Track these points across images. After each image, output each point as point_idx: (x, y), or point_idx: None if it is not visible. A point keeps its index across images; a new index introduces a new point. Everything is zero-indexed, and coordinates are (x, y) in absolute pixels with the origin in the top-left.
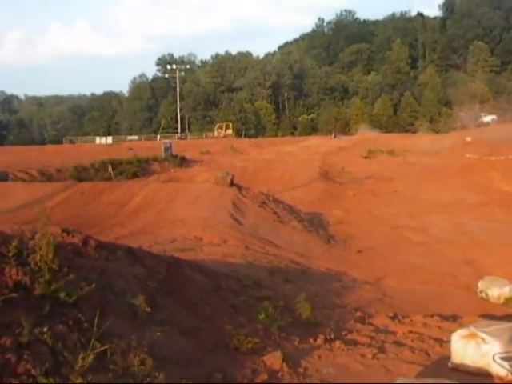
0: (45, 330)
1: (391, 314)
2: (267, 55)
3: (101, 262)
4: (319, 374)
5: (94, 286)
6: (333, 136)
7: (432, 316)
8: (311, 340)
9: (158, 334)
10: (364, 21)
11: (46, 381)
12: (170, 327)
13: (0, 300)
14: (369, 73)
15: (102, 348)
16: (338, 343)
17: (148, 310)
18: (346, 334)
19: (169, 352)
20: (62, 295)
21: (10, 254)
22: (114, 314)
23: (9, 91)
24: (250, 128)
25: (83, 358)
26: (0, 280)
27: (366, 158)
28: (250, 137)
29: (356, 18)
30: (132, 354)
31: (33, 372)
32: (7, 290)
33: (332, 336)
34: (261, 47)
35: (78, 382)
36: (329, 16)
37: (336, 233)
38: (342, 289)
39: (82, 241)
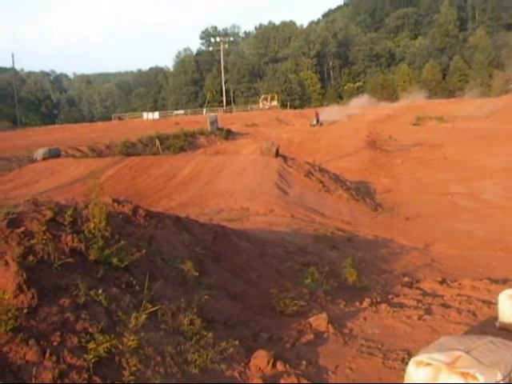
0: (100, 291)
1: (439, 279)
2: (311, 24)
3: (150, 230)
4: (364, 334)
5: (143, 252)
6: (314, 122)
7: (481, 279)
8: (357, 303)
9: (206, 297)
10: None
11: (102, 338)
12: (218, 291)
13: (58, 264)
14: (416, 37)
15: (154, 309)
16: (383, 306)
17: (196, 274)
18: (392, 298)
19: (216, 314)
20: (115, 260)
21: (66, 223)
22: (163, 279)
23: (58, 70)
24: (295, 99)
25: (136, 318)
26: (57, 246)
27: (414, 125)
28: (295, 107)
29: None
30: (181, 314)
31: (90, 330)
32: (64, 256)
33: (378, 299)
34: (304, 16)
35: (132, 338)
36: None
37: (383, 201)
38: (390, 255)
39: (132, 210)
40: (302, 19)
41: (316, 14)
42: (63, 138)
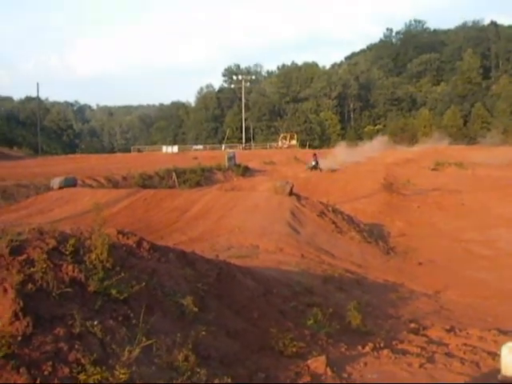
0: (95, 323)
1: (447, 327)
2: (333, 66)
3: (153, 263)
4: (363, 379)
5: (144, 284)
6: (311, 164)
7: (489, 330)
8: (359, 347)
9: (204, 333)
10: (434, 30)
11: (93, 369)
12: (217, 328)
13: (56, 293)
14: (438, 83)
15: (148, 342)
16: (386, 352)
17: (195, 310)
18: (396, 344)
19: (213, 351)
20: (114, 292)
21: (67, 252)
22: (161, 312)
23: (82, 101)
24: (314, 139)
25: (129, 351)
26: (57, 275)
27: (433, 170)
28: (314, 147)
29: (426, 28)
30: (177, 349)
31: (82, 361)
32: (63, 285)
33: (381, 345)
34: (327, 58)
35: (123, 371)
36: (397, 26)
37: (397, 244)
38: (398, 300)
39: (136, 242)
40: (325, 61)
41: (339, 57)
42: (82, 167)
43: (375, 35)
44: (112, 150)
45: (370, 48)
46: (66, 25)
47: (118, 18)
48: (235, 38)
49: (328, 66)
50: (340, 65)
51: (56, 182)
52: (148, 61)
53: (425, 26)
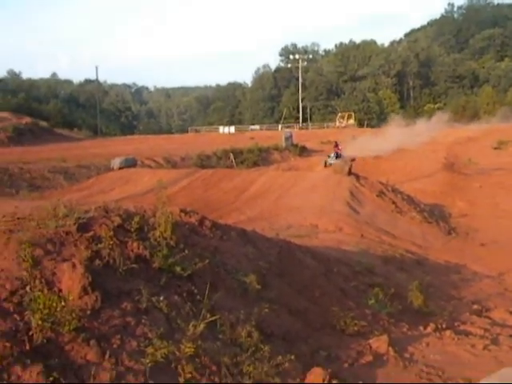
0: (161, 298)
1: (511, 309)
2: (392, 43)
3: (215, 241)
4: (425, 360)
5: (207, 262)
6: (331, 159)
7: None
8: (421, 328)
9: (266, 310)
10: (498, 4)
11: (160, 343)
12: (279, 306)
13: (122, 269)
14: (502, 59)
15: (212, 318)
16: (448, 333)
17: (258, 287)
18: (458, 325)
19: (276, 328)
20: (178, 269)
21: (133, 229)
22: (224, 290)
23: (140, 83)
24: (372, 118)
25: (194, 326)
26: (123, 252)
27: (495, 148)
28: (372, 127)
29: (489, 2)
30: (240, 326)
31: (149, 335)
32: (129, 262)
33: (443, 326)
34: (386, 36)
35: (189, 346)
36: (459, 1)
37: (458, 225)
38: (460, 281)
39: (199, 221)
40: (384, 39)
41: (398, 34)
42: (140, 148)
43: (436, 11)
44: (169, 131)
45: (431, 24)
46: (124, 8)
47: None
48: (292, 17)
49: (387, 44)
50: (399, 42)
51: (116, 162)
52: (205, 42)
53: (488, 1)
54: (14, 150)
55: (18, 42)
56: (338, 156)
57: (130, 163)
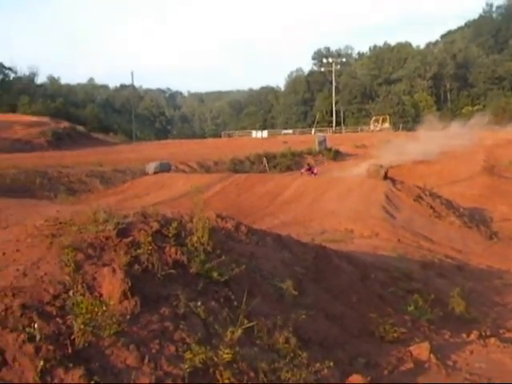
0: (199, 304)
1: None
2: (428, 45)
3: (251, 247)
4: (470, 367)
5: (243, 267)
6: (304, 169)
7: None
8: (463, 335)
9: (304, 316)
10: None
11: (198, 349)
12: (316, 311)
13: (161, 274)
14: None
15: (250, 324)
16: (493, 340)
17: (294, 293)
18: (503, 332)
19: (313, 334)
20: (215, 274)
21: (170, 235)
22: (261, 295)
23: (174, 88)
24: (408, 121)
25: (232, 332)
26: (161, 257)
27: None
28: (408, 130)
29: None
30: (277, 332)
31: (187, 340)
32: (167, 267)
33: (488, 333)
34: (421, 37)
35: (227, 351)
36: (498, 0)
37: (500, 229)
38: (504, 287)
39: (234, 226)
40: (419, 41)
41: (434, 36)
42: (174, 152)
43: (473, 11)
44: (203, 136)
45: (469, 25)
46: (158, 15)
47: (207, 5)
48: (325, 21)
49: (422, 46)
50: (435, 44)
51: (151, 167)
52: (238, 47)
53: None
54: (53, 154)
55: (57, 49)
56: (310, 169)
57: (165, 168)
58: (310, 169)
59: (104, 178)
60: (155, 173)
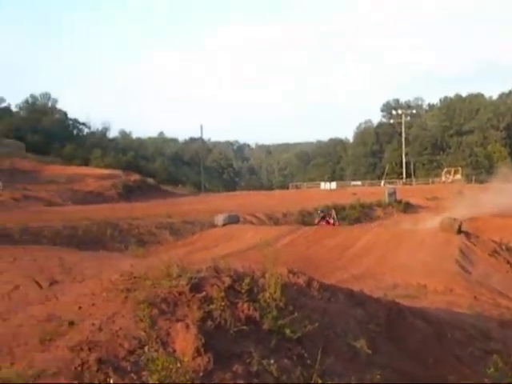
0: (272, 361)
1: None
2: (501, 96)
3: (323, 303)
4: None
5: (316, 325)
6: (317, 220)
7: None
8: None
9: (378, 376)
10: None
11: None
12: (390, 371)
13: (233, 331)
14: None
15: None
16: None
17: (368, 352)
18: None
19: None
20: (288, 331)
21: (243, 291)
22: (334, 354)
23: (241, 140)
24: (481, 173)
25: None
26: (233, 313)
27: None
28: (480, 182)
29: None
30: None
31: None
32: (239, 323)
33: None
34: (494, 88)
35: None
36: None
37: None
38: None
39: (306, 282)
40: (492, 91)
41: (507, 86)
42: (242, 204)
43: None
44: (270, 187)
45: None
46: (226, 69)
47: (275, 57)
48: (394, 72)
49: (495, 97)
50: (509, 94)
51: (220, 218)
52: (305, 99)
53: None
54: (124, 205)
55: (129, 105)
56: (324, 218)
57: (234, 220)
58: (324, 218)
59: (173, 230)
60: (224, 225)
